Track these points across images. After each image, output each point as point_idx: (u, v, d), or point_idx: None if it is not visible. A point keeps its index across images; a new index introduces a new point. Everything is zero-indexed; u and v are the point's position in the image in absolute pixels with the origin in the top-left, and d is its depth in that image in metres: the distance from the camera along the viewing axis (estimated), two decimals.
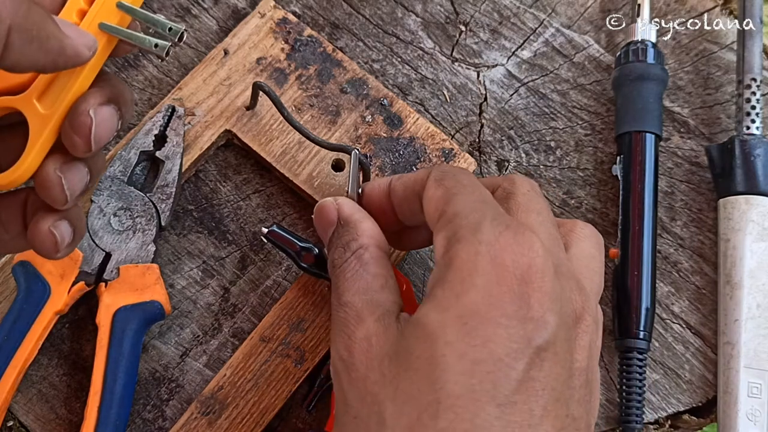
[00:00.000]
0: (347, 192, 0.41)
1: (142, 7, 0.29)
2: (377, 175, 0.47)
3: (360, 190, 0.41)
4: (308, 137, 0.45)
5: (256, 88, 0.45)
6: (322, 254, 0.42)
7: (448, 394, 0.28)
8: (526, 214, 0.34)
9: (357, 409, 0.31)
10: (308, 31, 0.50)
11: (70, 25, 0.27)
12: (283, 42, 0.49)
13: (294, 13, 0.52)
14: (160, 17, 0.29)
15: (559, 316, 0.30)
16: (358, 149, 0.43)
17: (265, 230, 0.41)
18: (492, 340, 0.28)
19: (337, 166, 0.47)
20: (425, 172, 0.36)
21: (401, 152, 0.48)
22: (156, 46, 0.29)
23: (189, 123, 0.47)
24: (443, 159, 0.48)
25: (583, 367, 0.32)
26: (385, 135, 0.48)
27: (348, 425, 0.32)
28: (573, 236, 0.36)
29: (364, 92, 0.49)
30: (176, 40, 0.28)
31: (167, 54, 0.28)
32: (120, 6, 0.28)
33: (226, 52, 0.49)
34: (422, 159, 0.48)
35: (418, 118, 0.48)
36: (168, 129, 0.46)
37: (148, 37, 0.29)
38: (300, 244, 0.42)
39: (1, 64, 0.25)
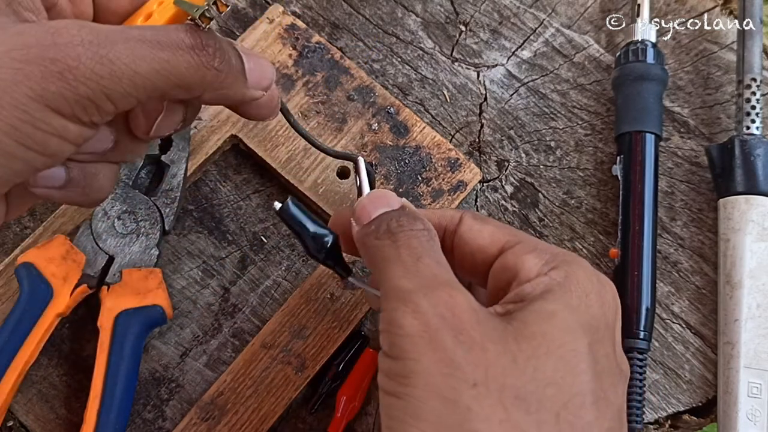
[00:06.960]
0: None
1: None
2: (382, 183, 0.47)
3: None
4: (314, 144, 0.44)
5: None
6: (337, 245, 0.36)
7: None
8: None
9: (473, 375, 0.27)
10: (316, 37, 0.49)
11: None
12: (291, 48, 0.49)
13: (294, 13, 0.52)
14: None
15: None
16: (363, 157, 0.42)
17: (278, 205, 0.35)
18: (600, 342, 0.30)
19: (342, 173, 0.47)
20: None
21: (407, 161, 0.48)
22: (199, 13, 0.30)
23: (195, 127, 0.47)
24: (449, 169, 0.47)
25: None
26: (391, 143, 0.48)
27: (463, 393, 0.27)
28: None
29: (371, 100, 0.49)
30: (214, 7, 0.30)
31: (203, 15, 0.30)
32: None
33: None
34: (428, 168, 0.48)
35: (424, 127, 0.48)
36: (174, 133, 0.46)
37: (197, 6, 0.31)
38: (315, 227, 0.36)
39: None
